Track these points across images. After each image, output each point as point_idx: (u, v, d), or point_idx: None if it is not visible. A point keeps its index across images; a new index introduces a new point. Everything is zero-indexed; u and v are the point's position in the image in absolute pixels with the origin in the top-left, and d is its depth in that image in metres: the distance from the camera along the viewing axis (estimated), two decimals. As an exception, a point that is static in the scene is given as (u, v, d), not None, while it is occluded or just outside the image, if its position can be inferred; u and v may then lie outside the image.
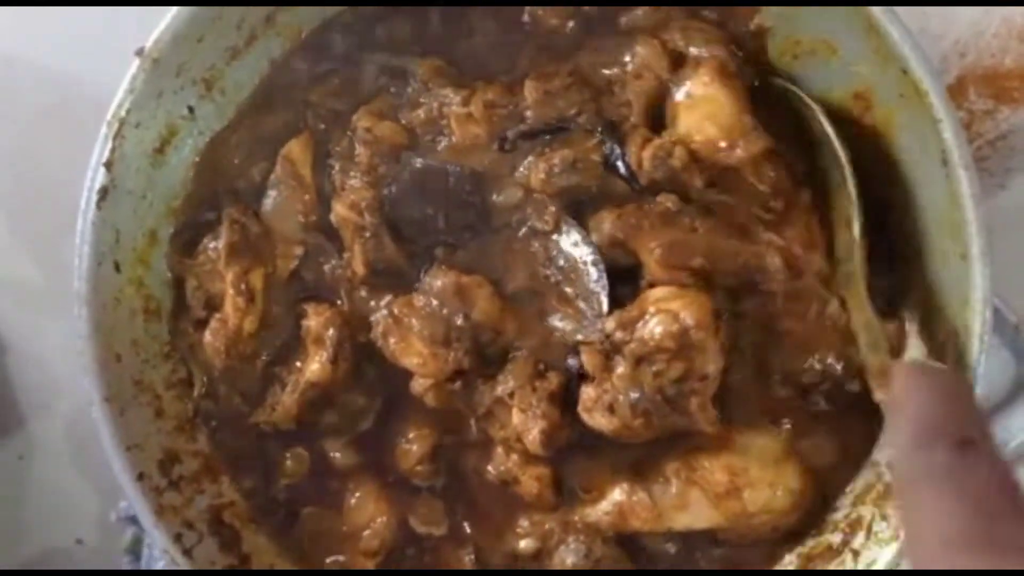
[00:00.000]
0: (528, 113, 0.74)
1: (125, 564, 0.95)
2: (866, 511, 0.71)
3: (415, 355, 0.73)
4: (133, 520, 0.77)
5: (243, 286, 0.77)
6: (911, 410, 0.58)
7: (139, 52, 0.73)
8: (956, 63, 0.90)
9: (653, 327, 0.68)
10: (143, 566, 0.93)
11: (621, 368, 0.69)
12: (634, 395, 0.69)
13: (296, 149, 0.78)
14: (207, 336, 0.77)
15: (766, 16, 0.74)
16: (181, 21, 0.73)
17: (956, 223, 0.67)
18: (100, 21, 0.97)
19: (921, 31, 0.89)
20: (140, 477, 0.75)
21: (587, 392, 0.71)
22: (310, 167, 0.78)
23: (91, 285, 0.75)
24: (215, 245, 0.78)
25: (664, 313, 0.68)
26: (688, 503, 0.73)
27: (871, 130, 0.73)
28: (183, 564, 0.75)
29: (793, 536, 0.75)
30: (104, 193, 0.74)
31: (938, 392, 0.59)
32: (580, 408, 0.72)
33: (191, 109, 0.77)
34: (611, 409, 0.70)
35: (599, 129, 0.73)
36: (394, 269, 0.75)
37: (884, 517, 0.70)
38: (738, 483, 0.72)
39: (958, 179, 0.66)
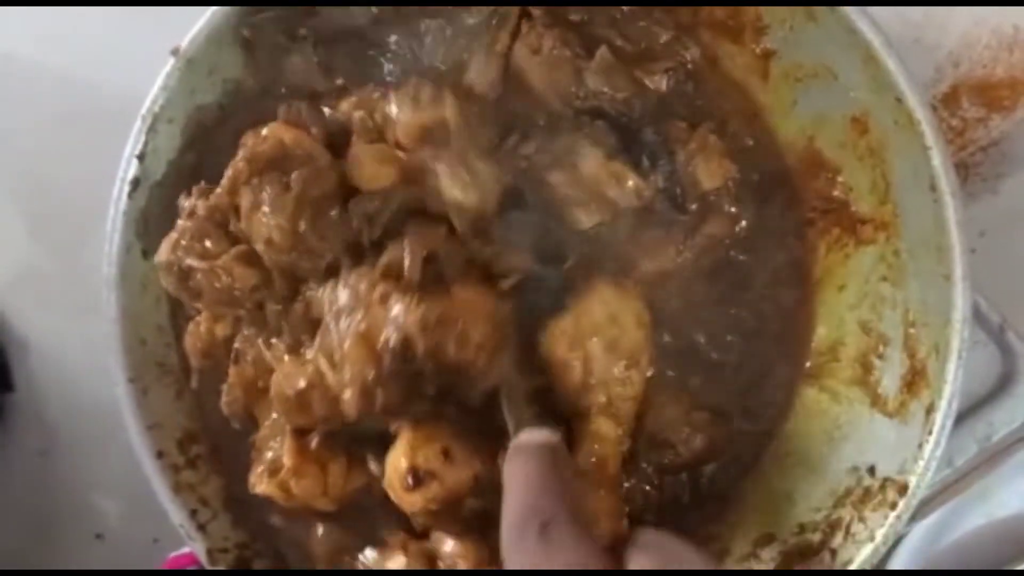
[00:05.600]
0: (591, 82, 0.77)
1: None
2: (845, 513, 0.75)
3: None
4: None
5: None
6: (511, 493, 0.58)
7: (174, 52, 0.76)
8: (950, 73, 0.94)
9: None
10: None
11: None
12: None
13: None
14: (186, 337, 0.79)
15: (772, 40, 0.77)
16: (214, 23, 0.76)
17: (941, 246, 0.70)
18: (120, 29, 0.99)
19: (916, 42, 0.93)
20: (160, 455, 0.78)
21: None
22: None
23: (120, 270, 0.78)
24: None
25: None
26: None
27: (867, 151, 0.76)
28: (197, 539, 0.78)
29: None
30: (136, 184, 0.77)
31: (535, 472, 0.59)
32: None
33: (221, 107, 0.80)
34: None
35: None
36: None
37: (862, 519, 0.74)
38: None
39: (945, 205, 0.70)
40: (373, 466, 0.75)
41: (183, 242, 0.73)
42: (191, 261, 0.73)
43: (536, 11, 0.78)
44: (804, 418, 0.82)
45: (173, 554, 0.93)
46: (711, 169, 0.77)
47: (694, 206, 0.78)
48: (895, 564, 0.95)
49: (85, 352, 1.03)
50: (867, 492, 0.74)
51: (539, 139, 0.76)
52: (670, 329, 0.80)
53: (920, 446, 0.71)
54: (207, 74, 0.78)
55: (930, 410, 0.71)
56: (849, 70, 0.73)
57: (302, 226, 0.69)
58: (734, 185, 0.79)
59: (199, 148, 0.80)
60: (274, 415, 0.76)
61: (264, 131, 0.71)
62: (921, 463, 0.71)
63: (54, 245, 1.05)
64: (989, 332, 0.83)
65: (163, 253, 0.74)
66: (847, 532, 0.74)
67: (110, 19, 1.01)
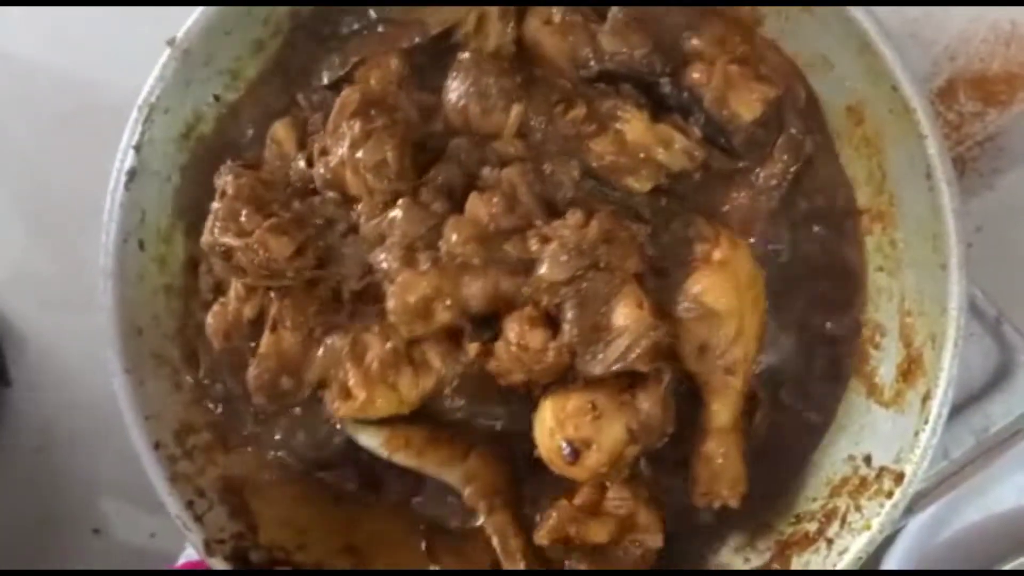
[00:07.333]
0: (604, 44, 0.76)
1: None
2: (841, 502, 0.75)
3: None
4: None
5: None
6: None
7: (170, 42, 0.76)
8: (946, 67, 0.94)
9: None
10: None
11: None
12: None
13: (281, 130, 0.79)
14: (208, 318, 0.80)
15: (768, 30, 0.77)
16: (211, 14, 0.76)
17: (937, 235, 0.70)
18: (120, 29, 1.01)
19: (913, 37, 0.93)
20: (156, 446, 0.78)
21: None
22: (295, 146, 0.78)
23: (116, 261, 0.78)
24: None
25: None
26: None
27: (863, 141, 0.76)
28: (194, 530, 0.78)
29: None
30: (132, 175, 0.78)
31: None
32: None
33: (217, 97, 0.80)
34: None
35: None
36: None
37: (858, 508, 0.74)
38: None
39: (940, 192, 0.70)
40: (438, 365, 0.75)
41: (218, 223, 0.75)
42: (226, 240, 0.75)
43: None
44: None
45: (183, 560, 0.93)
46: (745, 99, 0.74)
47: (738, 142, 0.76)
48: (892, 559, 0.95)
49: (82, 348, 1.03)
50: (863, 481, 0.74)
51: (583, 105, 0.75)
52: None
53: (916, 434, 0.71)
54: (203, 64, 0.78)
55: (926, 398, 0.71)
56: (845, 59, 0.74)
57: (406, 161, 0.73)
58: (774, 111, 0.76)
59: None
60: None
61: (372, 72, 0.77)
62: (917, 451, 0.71)
63: (52, 242, 1.06)
64: (986, 326, 0.83)
65: (205, 236, 0.77)
66: (843, 521, 0.74)
67: (109, 18, 1.02)
